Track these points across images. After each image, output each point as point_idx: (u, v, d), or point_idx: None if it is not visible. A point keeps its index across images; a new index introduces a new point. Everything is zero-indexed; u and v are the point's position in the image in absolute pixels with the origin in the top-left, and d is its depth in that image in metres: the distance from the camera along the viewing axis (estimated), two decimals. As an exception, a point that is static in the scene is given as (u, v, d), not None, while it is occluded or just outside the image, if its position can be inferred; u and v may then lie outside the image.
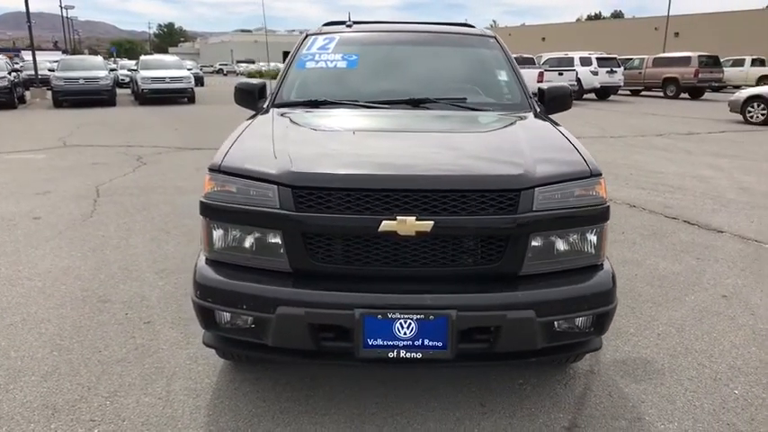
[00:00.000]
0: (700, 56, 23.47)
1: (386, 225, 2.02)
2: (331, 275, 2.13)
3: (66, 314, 3.47)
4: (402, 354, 2.04)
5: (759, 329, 3.30)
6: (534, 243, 2.13)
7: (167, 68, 20.63)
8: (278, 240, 2.12)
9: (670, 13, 42.86)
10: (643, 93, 26.60)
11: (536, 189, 2.11)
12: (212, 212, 2.21)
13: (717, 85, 24.58)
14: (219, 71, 70.49)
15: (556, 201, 2.14)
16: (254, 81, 3.51)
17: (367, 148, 2.50)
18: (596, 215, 2.22)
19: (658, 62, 24.99)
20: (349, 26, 3.80)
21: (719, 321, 3.39)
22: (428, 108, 3.13)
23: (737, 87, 27.79)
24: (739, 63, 28.73)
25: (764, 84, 22.92)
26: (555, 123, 2.92)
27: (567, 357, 2.60)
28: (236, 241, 2.20)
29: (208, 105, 20.20)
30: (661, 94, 24.95)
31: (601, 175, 2.26)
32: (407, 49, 3.65)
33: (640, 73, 25.40)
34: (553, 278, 2.18)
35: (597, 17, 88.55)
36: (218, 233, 2.22)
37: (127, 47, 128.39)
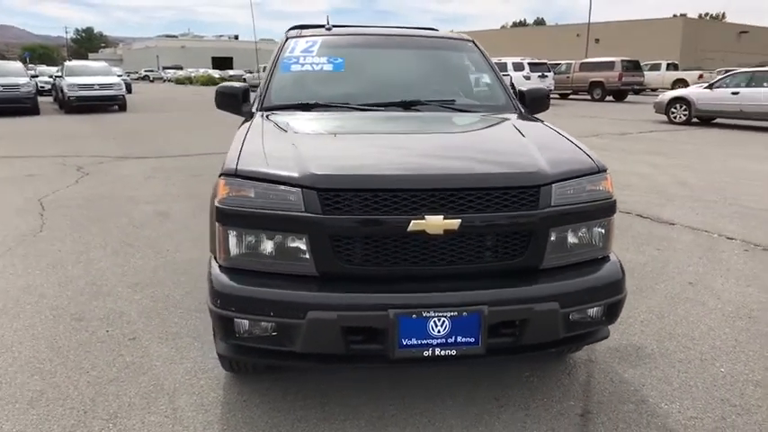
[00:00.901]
0: (623, 60, 24.96)
1: (415, 224, 2.03)
2: (358, 277, 2.11)
3: (39, 335, 3.23)
4: (437, 352, 2.05)
5: (727, 312, 3.56)
6: (552, 237, 2.20)
7: (95, 75, 19.56)
8: (303, 244, 2.08)
9: (590, 21, 45.29)
10: (571, 96, 27.95)
11: (553, 185, 2.18)
12: (229, 218, 2.14)
13: (638, 87, 26.20)
14: (145, 77, 67.79)
15: (569, 196, 2.23)
16: (237, 84, 3.42)
17: (383, 149, 2.50)
18: (605, 209, 2.33)
19: (585, 67, 26.36)
20: (328, 29, 3.77)
21: (692, 307, 3.63)
22: (418, 110, 3.16)
23: (654, 90, 29.82)
24: (656, 67, 30.80)
25: (679, 87, 24.67)
26: (545, 123, 3.03)
27: (578, 347, 2.70)
28: (256, 247, 2.14)
29: (141, 113, 19.39)
30: (588, 97, 26.31)
31: (606, 170, 2.38)
32: (391, 52, 3.67)
33: (568, 77, 26.68)
34: (570, 270, 2.26)
35: (522, 24, 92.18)
36: (235, 240, 2.15)
37: (41, 52, 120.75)
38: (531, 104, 3.50)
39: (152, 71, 71.44)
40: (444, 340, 2.05)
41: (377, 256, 2.09)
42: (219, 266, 2.21)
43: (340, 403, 2.56)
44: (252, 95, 3.42)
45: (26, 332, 3.26)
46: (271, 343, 2.17)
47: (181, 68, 68.16)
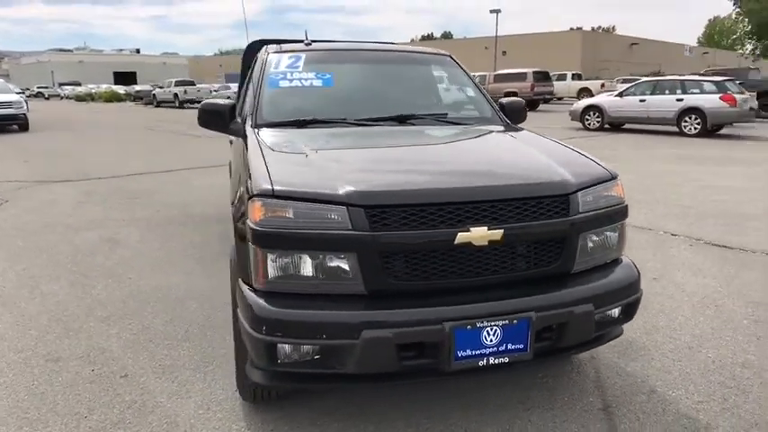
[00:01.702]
0: (534, 72, 26.40)
1: (461, 237, 2.05)
2: (406, 293, 2.10)
3: (12, 382, 2.92)
4: (491, 361, 2.09)
5: (695, 303, 3.86)
6: (581, 242, 2.31)
7: (-9, 92, 17.97)
8: (349, 263, 2.04)
9: (497, 35, 47.61)
10: (487, 106, 29.07)
11: (578, 193, 2.30)
12: (267, 240, 2.05)
13: (548, 97, 27.81)
14: (39, 95, 63.05)
15: (591, 203, 2.35)
16: (222, 102, 3.28)
17: (415, 164, 2.50)
18: (620, 213, 2.48)
19: (499, 78, 27.64)
20: (308, 44, 3.73)
21: (664, 300, 3.90)
22: (413, 124, 3.20)
23: (561, 99, 31.72)
24: (563, 77, 32.84)
25: (584, 95, 26.45)
26: (536, 133, 3.16)
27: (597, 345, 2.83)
28: (298, 268, 2.07)
29: (47, 132, 18.03)
30: (503, 106, 27.53)
31: (618, 177, 2.53)
32: (376, 67, 3.68)
33: (484, 88, 27.81)
34: (595, 273, 2.38)
35: (430, 37, 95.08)
36: (274, 262, 2.07)
37: None
38: (512, 115, 3.64)
39: (46, 87, 66.67)
40: (496, 348, 2.09)
41: (424, 270, 2.09)
42: (255, 291, 2.12)
43: (374, 421, 2.52)
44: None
45: (-4, 380, 2.94)
46: (313, 366, 2.11)
47: (79, 84, 64.13)
